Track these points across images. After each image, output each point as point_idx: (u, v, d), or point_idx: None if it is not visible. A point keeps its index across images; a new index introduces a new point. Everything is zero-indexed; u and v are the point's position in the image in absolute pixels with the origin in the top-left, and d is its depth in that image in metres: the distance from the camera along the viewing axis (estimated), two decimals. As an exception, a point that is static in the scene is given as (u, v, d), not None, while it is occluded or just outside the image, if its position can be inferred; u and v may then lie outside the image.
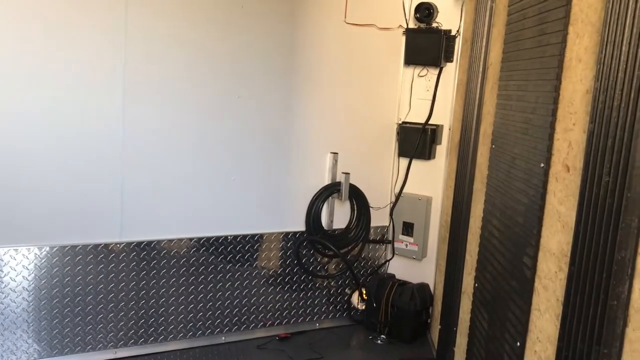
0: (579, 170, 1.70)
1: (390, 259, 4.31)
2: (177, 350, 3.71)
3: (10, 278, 3.26)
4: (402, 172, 4.17)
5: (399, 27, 4.02)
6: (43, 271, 3.31)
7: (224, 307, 3.84)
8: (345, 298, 4.27)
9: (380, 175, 4.22)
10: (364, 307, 4.18)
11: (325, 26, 3.84)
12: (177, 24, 3.42)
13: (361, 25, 3.91)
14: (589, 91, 1.68)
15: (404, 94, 4.13)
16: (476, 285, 2.78)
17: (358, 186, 4.07)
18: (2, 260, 3.23)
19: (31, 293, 3.31)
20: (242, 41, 3.61)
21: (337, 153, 3.99)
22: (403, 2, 3.98)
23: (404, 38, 4.04)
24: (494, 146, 2.66)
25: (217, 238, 3.74)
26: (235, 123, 3.68)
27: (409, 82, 4.09)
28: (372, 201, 4.15)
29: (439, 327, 3.57)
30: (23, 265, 3.27)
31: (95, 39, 3.23)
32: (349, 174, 4.01)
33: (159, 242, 3.58)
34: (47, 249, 3.30)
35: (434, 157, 4.07)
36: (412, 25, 4.00)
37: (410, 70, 4.08)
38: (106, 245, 3.44)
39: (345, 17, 3.86)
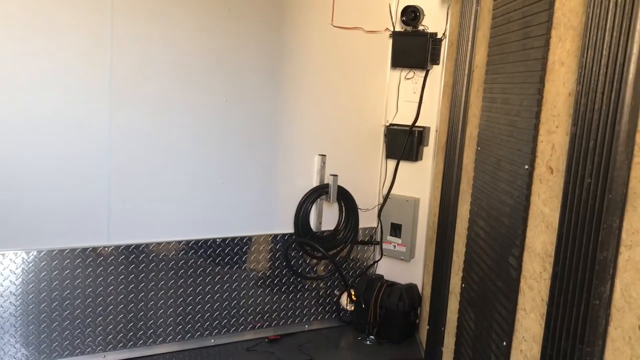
0: (562, 172, 1.72)
1: (379, 260, 4.33)
2: (167, 353, 3.71)
3: (-2, 283, 3.25)
4: (389, 173, 4.19)
5: (385, 30, 4.04)
6: (31, 275, 3.30)
7: (213, 310, 3.85)
8: (334, 299, 4.28)
9: (368, 176, 4.24)
10: (352, 308, 4.20)
11: (312, 29, 3.86)
12: (164, 28, 3.42)
13: (348, 29, 3.94)
14: (572, 94, 1.71)
15: (391, 96, 4.15)
16: (463, 285, 2.81)
17: (346, 188, 4.09)
18: (-11, 265, 3.22)
19: (19, 298, 3.30)
20: (229, 44, 3.61)
21: (325, 155, 4.01)
22: (389, 5, 4.00)
23: (390, 41, 4.06)
24: (479, 148, 2.69)
25: (206, 241, 3.75)
26: (222, 126, 3.68)
27: (396, 85, 4.12)
28: (360, 203, 4.17)
29: (427, 327, 3.59)
30: (10, 270, 3.25)
31: (81, 42, 3.23)
32: (337, 175, 4.02)
33: (147, 245, 3.58)
34: (35, 253, 3.29)
35: (421, 159, 4.10)
36: (398, 28, 4.03)
37: (397, 73, 4.10)
38: (94, 249, 3.44)
39: (332, 20, 3.88)
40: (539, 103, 1.98)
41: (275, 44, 3.76)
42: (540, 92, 1.97)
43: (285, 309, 4.10)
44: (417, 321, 4.15)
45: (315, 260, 4.16)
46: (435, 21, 3.91)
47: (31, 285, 3.31)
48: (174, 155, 3.58)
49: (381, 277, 4.25)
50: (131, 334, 3.62)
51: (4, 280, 3.25)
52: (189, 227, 3.69)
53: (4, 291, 3.26)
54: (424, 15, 3.91)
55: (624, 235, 1.38)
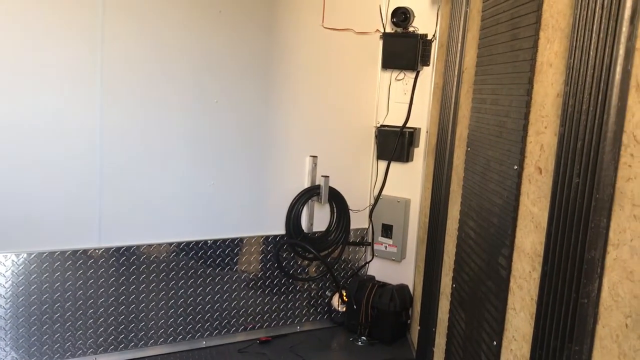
0: (550, 172, 1.74)
1: (370, 260, 4.34)
2: (158, 355, 3.70)
3: (-13, 285, 3.23)
4: (380, 174, 4.21)
5: (376, 31, 4.06)
6: (20, 278, 3.28)
7: (204, 312, 3.84)
8: (326, 300, 4.29)
9: (359, 178, 4.25)
10: (344, 309, 4.20)
11: (303, 31, 3.87)
12: (154, 30, 3.42)
13: (338, 30, 3.95)
14: (560, 95, 1.73)
15: (381, 98, 4.17)
16: (454, 285, 2.82)
17: (337, 189, 4.10)
18: (-21, 268, 3.20)
19: (8, 300, 3.28)
20: (220, 46, 3.62)
21: (316, 156, 4.02)
22: (380, 7, 4.02)
23: (381, 42, 4.08)
24: (469, 149, 2.70)
25: (197, 242, 3.74)
26: (213, 128, 3.68)
27: (386, 86, 4.13)
28: (351, 204, 4.18)
29: (419, 327, 3.61)
30: (0, 273, 3.23)
31: (71, 44, 3.22)
32: (328, 177, 4.03)
33: (138, 247, 3.57)
34: (25, 255, 3.28)
35: (412, 160, 4.11)
36: (389, 29, 4.04)
37: (387, 74, 4.12)
38: (85, 251, 3.42)
39: (322, 22, 3.89)
40: (528, 104, 1.99)
41: (266, 45, 3.76)
42: (529, 93, 1.99)
43: (276, 310, 4.10)
44: (409, 321, 4.16)
45: (306, 262, 4.16)
46: (425, 22, 3.93)
47: (21, 288, 3.29)
48: (165, 157, 3.57)
49: (372, 277, 4.26)
50: (122, 336, 3.61)
51: (-7, 283, 3.24)
52: (180, 229, 3.69)
53: (-7, 294, 3.25)
54: (414, 16, 3.93)
55: (611, 234, 1.40)
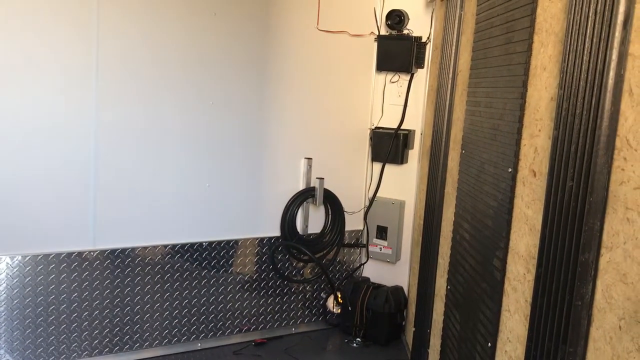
0: (544, 175, 1.75)
1: (365, 262, 4.35)
2: (153, 357, 3.70)
3: (-18, 288, 3.22)
4: (375, 176, 4.22)
5: (370, 33, 4.07)
6: (15, 281, 3.28)
7: (199, 314, 3.84)
8: (321, 302, 4.30)
9: (354, 179, 4.26)
10: (339, 310, 4.21)
11: (298, 33, 3.87)
12: (150, 32, 3.42)
13: (333, 32, 3.96)
14: (554, 99, 1.74)
15: (376, 100, 4.18)
16: (448, 287, 2.83)
17: (332, 191, 4.11)
18: (-27, 271, 3.19)
19: (3, 303, 3.27)
20: (215, 48, 3.62)
21: (311, 158, 4.03)
22: (374, 9, 4.03)
23: (375, 44, 4.09)
24: (464, 151, 2.71)
25: (192, 244, 3.74)
26: (209, 130, 3.68)
27: (381, 88, 4.15)
28: (346, 206, 4.19)
29: (413, 329, 3.61)
30: (-6, 275, 3.23)
31: (66, 44, 3.21)
32: (323, 179, 4.04)
33: (133, 249, 3.56)
34: (19, 258, 3.27)
35: (406, 162, 4.13)
36: (383, 32, 4.06)
37: (382, 76, 4.13)
38: (80, 254, 3.42)
39: (317, 24, 3.90)
40: (522, 107, 2.00)
41: (261, 47, 3.77)
42: (523, 96, 2.00)
43: (272, 312, 4.11)
44: (403, 323, 4.17)
45: (301, 264, 4.17)
46: (419, 25, 3.94)
47: (16, 291, 3.29)
48: (160, 158, 3.57)
49: (367, 279, 4.27)
50: (117, 339, 3.60)
51: (-12, 286, 3.23)
52: (175, 231, 3.68)
53: (-12, 297, 3.24)
54: (408, 19, 3.95)
55: (604, 237, 1.41)
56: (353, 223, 4.28)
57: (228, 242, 3.86)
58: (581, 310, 1.47)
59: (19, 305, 3.31)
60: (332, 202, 4.13)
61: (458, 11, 3.03)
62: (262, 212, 3.97)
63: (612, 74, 1.38)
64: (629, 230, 1.31)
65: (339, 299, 4.18)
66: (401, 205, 4.17)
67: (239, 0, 3.64)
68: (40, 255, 3.31)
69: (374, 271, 4.32)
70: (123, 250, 3.53)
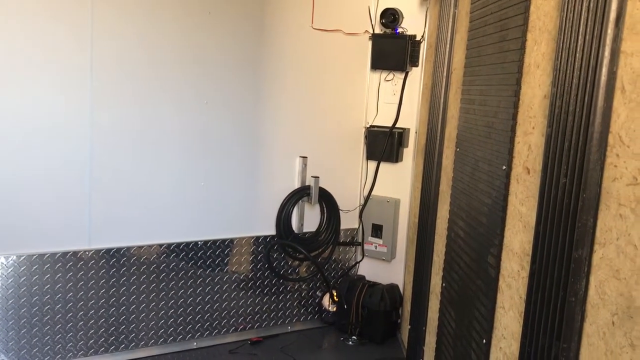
0: (538, 172, 1.76)
1: (360, 260, 4.36)
2: (149, 356, 3.70)
3: (-24, 288, 3.22)
4: (370, 175, 4.23)
5: (365, 32, 4.08)
6: (10, 281, 3.27)
7: (195, 313, 3.84)
8: (317, 300, 4.30)
9: (349, 178, 4.27)
10: (335, 309, 4.22)
11: (293, 31, 3.88)
12: (145, 31, 3.41)
13: (328, 31, 3.96)
14: (547, 96, 1.75)
15: (371, 98, 4.19)
16: (444, 285, 2.84)
17: (327, 189, 4.12)
18: (-32, 271, 3.18)
19: (-2, 303, 3.27)
20: (209, 48, 3.62)
21: (306, 157, 4.03)
22: (369, 8, 4.03)
23: (370, 43, 4.09)
24: (458, 149, 2.72)
25: (188, 244, 3.74)
26: (203, 129, 3.68)
27: (375, 87, 4.15)
28: (341, 204, 4.19)
29: (409, 327, 3.62)
30: (-11, 275, 3.23)
31: (61, 45, 3.21)
32: (318, 177, 4.04)
33: (128, 248, 3.56)
34: (14, 258, 3.26)
35: (401, 160, 4.14)
36: (378, 30, 4.06)
37: (377, 75, 4.14)
38: (75, 253, 3.41)
39: (312, 23, 3.90)
40: (516, 105, 2.01)
41: (256, 46, 3.77)
42: (517, 94, 2.01)
43: (267, 311, 4.11)
44: (399, 321, 4.18)
45: (297, 262, 4.17)
46: (414, 23, 3.95)
47: (11, 291, 3.28)
48: (155, 158, 3.57)
49: (363, 277, 4.28)
50: (113, 338, 3.60)
51: (-18, 286, 3.22)
52: (170, 230, 3.68)
53: (-18, 297, 3.23)
54: (402, 17, 3.95)
55: (597, 233, 1.42)
56: (348, 221, 4.28)
57: (223, 241, 3.86)
58: (575, 307, 1.48)
59: (14, 305, 3.30)
60: (327, 201, 4.14)
61: (452, 9, 3.04)
62: (258, 211, 3.97)
63: (604, 71, 1.39)
64: (621, 227, 1.31)
65: (335, 297, 4.19)
66: (396, 203, 4.18)
67: (234, -1, 3.65)
68: (35, 255, 3.31)
69: (370, 269, 4.33)
70: (118, 249, 3.53)
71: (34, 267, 3.31)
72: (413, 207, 3.96)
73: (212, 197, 3.78)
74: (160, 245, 3.66)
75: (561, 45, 1.60)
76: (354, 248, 4.38)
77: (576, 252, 1.47)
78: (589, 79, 1.44)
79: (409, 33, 3.95)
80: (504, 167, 2.07)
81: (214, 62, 3.65)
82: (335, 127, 4.15)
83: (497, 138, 2.17)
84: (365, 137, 4.22)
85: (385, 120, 4.12)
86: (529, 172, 1.87)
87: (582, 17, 1.49)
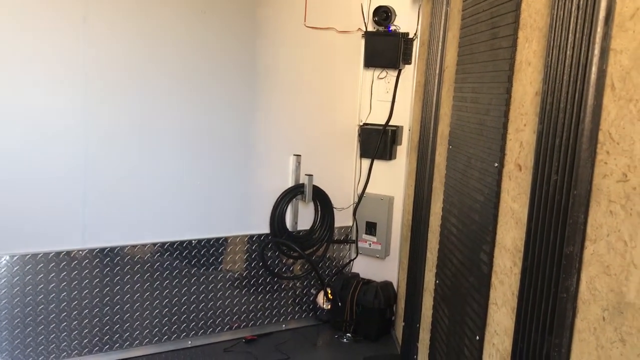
0: (530, 169, 1.77)
1: (354, 258, 4.37)
2: (143, 355, 3.70)
3: (-30, 288, 3.21)
4: (364, 172, 4.23)
5: (357, 30, 4.08)
6: (3, 281, 3.26)
7: (189, 311, 3.84)
8: (311, 298, 4.31)
9: (343, 176, 4.28)
10: (329, 306, 4.22)
11: (285, 29, 3.88)
12: (140, 31, 3.40)
13: (321, 29, 3.96)
14: (538, 93, 1.76)
15: (364, 96, 4.19)
16: (437, 282, 2.86)
17: (321, 187, 4.12)
18: (-39, 271, 3.17)
19: (-9, 303, 3.26)
20: (203, 46, 3.61)
21: (299, 155, 4.03)
22: (362, 6, 4.04)
23: (363, 41, 4.10)
24: (451, 146, 2.73)
25: (182, 242, 3.74)
26: (197, 128, 3.68)
27: (369, 84, 4.16)
28: (335, 202, 4.20)
29: (403, 324, 3.63)
30: (-18, 275, 3.21)
31: (57, 44, 3.20)
32: (312, 175, 4.05)
33: (122, 247, 3.56)
34: (7, 257, 3.25)
35: (394, 158, 4.14)
36: (370, 28, 4.07)
37: (370, 73, 4.14)
38: (68, 253, 3.41)
39: (305, 21, 3.90)
40: (507, 102, 2.02)
41: (249, 44, 3.77)
42: (509, 91, 2.02)
43: (262, 309, 4.12)
44: (393, 318, 4.19)
45: (291, 260, 4.17)
46: (407, 21, 3.96)
47: (4, 291, 3.27)
48: (149, 157, 3.56)
49: (357, 275, 4.29)
50: (107, 337, 3.60)
51: (-24, 286, 3.21)
52: (164, 229, 3.68)
53: (-24, 297, 3.22)
54: (395, 15, 3.96)
55: (588, 230, 1.43)
56: (342, 219, 4.29)
57: (217, 239, 3.86)
58: (566, 302, 1.49)
59: (7, 305, 3.29)
60: (321, 199, 4.14)
61: (444, 7, 3.05)
62: (252, 209, 3.97)
63: (594, 68, 1.40)
64: (612, 223, 1.33)
65: (329, 295, 4.20)
66: (390, 200, 4.19)
67: (226, -2, 3.65)
68: (28, 254, 3.30)
69: (364, 267, 4.34)
70: (112, 249, 3.53)
71: (27, 267, 3.31)
72: (407, 205, 3.97)
73: (206, 195, 3.78)
74: (154, 244, 3.66)
75: (552, 42, 1.61)
76: (348, 246, 4.39)
77: (567, 248, 1.48)
78: (580, 76, 1.45)
79: (401, 31, 3.96)
80: (496, 164, 2.08)
81: (207, 60, 3.64)
82: (328, 125, 4.15)
83: (489, 135, 2.18)
84: (359, 134, 4.22)
85: (378, 118, 4.13)
86: (520, 169, 1.88)
87: (573, 15, 1.50)
